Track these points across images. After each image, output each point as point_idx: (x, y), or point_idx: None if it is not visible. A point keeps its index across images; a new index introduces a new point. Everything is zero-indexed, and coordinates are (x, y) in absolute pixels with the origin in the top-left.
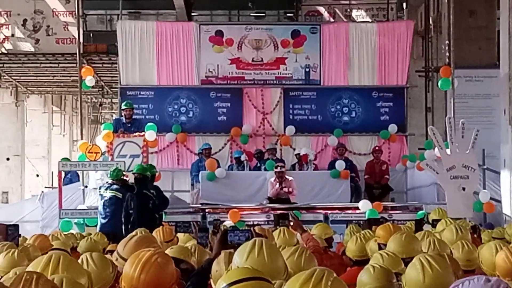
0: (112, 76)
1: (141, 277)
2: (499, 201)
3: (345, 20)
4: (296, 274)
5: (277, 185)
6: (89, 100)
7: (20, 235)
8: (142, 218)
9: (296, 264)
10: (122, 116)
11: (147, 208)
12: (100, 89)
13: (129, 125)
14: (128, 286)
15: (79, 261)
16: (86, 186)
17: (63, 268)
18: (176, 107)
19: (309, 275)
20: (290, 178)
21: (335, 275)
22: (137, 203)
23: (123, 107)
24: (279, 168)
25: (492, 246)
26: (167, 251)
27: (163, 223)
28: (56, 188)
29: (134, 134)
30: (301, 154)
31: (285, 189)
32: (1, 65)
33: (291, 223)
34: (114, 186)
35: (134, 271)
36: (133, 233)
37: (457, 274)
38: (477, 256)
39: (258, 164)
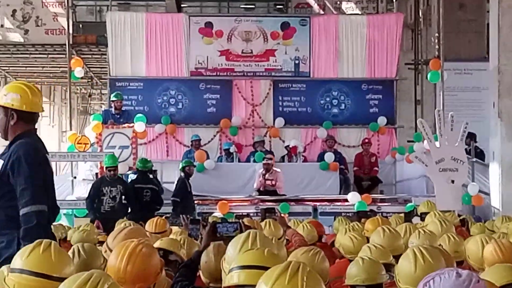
0: (101, 67)
1: (128, 268)
2: (488, 194)
3: (335, 12)
4: (272, 267)
5: (261, 177)
6: (78, 91)
7: None
8: (138, 211)
9: (309, 261)
10: (111, 107)
11: (143, 201)
12: (90, 80)
13: (118, 116)
14: (115, 278)
15: (71, 251)
16: (75, 177)
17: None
18: (165, 98)
19: (284, 268)
20: (278, 170)
21: (309, 267)
22: (134, 196)
23: (112, 98)
24: (265, 160)
25: (478, 240)
26: (156, 243)
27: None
28: None
29: (123, 125)
30: (290, 146)
31: (269, 182)
32: None
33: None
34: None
35: (121, 263)
36: (122, 225)
37: (450, 267)
38: (464, 249)
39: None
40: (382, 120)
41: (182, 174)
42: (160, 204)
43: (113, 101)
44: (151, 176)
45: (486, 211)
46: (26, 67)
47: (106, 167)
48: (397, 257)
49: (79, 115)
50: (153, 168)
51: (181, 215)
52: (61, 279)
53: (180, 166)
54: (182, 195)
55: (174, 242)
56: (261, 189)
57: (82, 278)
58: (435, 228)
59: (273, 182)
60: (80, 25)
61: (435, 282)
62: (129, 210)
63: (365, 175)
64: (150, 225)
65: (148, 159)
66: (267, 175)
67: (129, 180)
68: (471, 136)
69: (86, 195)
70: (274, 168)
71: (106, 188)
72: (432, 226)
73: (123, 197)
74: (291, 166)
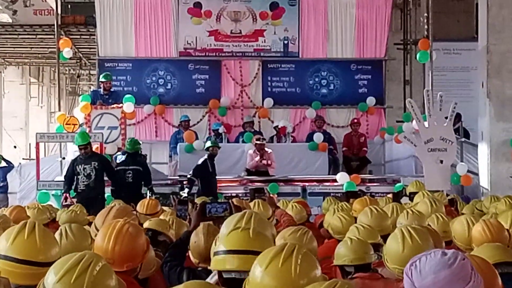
0: (90, 48)
1: (116, 248)
2: (476, 174)
3: None
4: (267, 249)
5: (257, 157)
6: (67, 72)
7: None
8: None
9: (297, 241)
10: (100, 88)
11: (125, 182)
12: (78, 60)
13: (107, 96)
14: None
15: (58, 232)
16: (64, 158)
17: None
18: (154, 79)
19: (279, 249)
20: (269, 150)
21: (305, 249)
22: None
23: (101, 79)
24: (260, 140)
25: (463, 220)
26: (145, 224)
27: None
28: (34, 159)
29: (112, 106)
30: (279, 127)
31: (265, 162)
32: None
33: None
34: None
35: (108, 243)
36: (111, 204)
37: (439, 246)
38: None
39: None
40: (371, 100)
41: (206, 154)
42: (147, 185)
43: (102, 81)
44: (139, 158)
45: (475, 191)
46: (14, 47)
47: (78, 146)
48: (384, 237)
49: (68, 96)
50: (142, 152)
51: (171, 195)
52: (47, 264)
53: (205, 147)
54: (201, 175)
55: (163, 223)
56: (253, 169)
57: (74, 259)
58: (425, 208)
59: (269, 162)
60: (69, 6)
61: (421, 262)
62: (112, 185)
63: (354, 155)
64: (141, 207)
65: (138, 141)
66: (263, 156)
67: (118, 161)
68: (457, 116)
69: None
70: (265, 149)
71: (80, 166)
72: (422, 206)
73: (100, 173)
74: (280, 147)
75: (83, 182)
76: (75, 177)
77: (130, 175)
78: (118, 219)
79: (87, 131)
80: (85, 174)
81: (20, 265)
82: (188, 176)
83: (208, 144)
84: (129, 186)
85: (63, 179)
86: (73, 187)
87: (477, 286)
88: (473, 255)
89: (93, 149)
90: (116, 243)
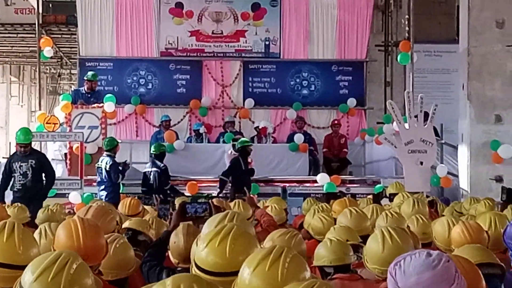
0: (71, 47)
1: (82, 245)
2: (456, 176)
3: None
4: (255, 251)
5: None
6: (47, 71)
7: None
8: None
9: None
10: (82, 86)
11: None
12: (59, 60)
13: (88, 95)
14: None
15: (37, 231)
16: None
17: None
18: (135, 78)
19: (268, 252)
20: None
21: (295, 252)
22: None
23: (89, 78)
24: (237, 141)
25: (444, 221)
26: (125, 224)
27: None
28: None
29: (93, 105)
30: (260, 127)
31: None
32: None
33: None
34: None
35: (72, 241)
36: (90, 203)
37: (417, 248)
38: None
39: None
40: (351, 102)
41: (236, 153)
42: (116, 179)
43: (89, 80)
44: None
45: (455, 192)
46: None
47: (17, 143)
48: (364, 238)
49: (49, 95)
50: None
51: (153, 195)
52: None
53: (236, 146)
54: (234, 174)
55: (143, 223)
56: None
57: (50, 259)
58: (408, 209)
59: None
60: (50, 5)
61: (406, 261)
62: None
63: (334, 156)
64: (122, 207)
65: (162, 144)
66: None
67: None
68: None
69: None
70: None
71: (16, 164)
72: (405, 207)
73: (38, 172)
74: (260, 147)
75: (19, 181)
76: (12, 175)
77: (151, 176)
78: (74, 217)
79: (68, 131)
80: (21, 172)
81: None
82: (220, 177)
83: (240, 143)
84: (152, 188)
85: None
86: (9, 188)
87: None
88: (458, 255)
89: (33, 147)
90: (78, 240)
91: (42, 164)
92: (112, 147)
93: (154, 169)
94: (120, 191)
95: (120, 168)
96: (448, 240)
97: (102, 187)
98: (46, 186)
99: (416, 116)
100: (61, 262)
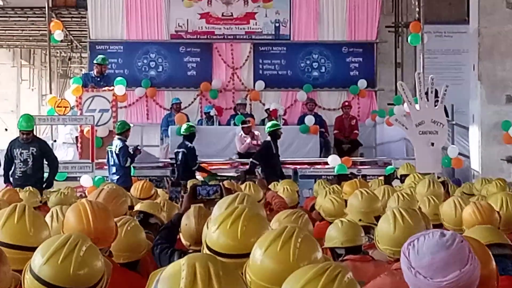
0: (81, 30)
1: (94, 227)
2: (468, 157)
3: None
4: (267, 232)
5: (249, 139)
6: (58, 55)
7: None
8: None
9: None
10: (92, 70)
11: None
12: (69, 43)
13: (98, 79)
14: None
15: (49, 214)
16: (55, 141)
17: (29, 220)
18: (145, 61)
19: (279, 233)
20: (257, 132)
21: (306, 232)
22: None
23: (99, 61)
24: (247, 123)
25: (451, 202)
26: (137, 206)
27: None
28: None
29: (103, 88)
30: (270, 109)
31: (254, 142)
32: None
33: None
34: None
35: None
36: (101, 186)
37: (428, 228)
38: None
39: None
40: (362, 83)
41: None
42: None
43: (98, 64)
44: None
45: (466, 173)
46: (5, 30)
47: (20, 130)
48: (375, 219)
49: (59, 79)
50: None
51: (164, 178)
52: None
53: (267, 130)
54: (264, 158)
55: (154, 205)
56: (244, 152)
57: (59, 241)
58: (423, 189)
59: (258, 142)
60: None
61: (419, 241)
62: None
63: (345, 138)
64: (134, 190)
65: (192, 124)
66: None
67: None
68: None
69: (66, 159)
70: (253, 131)
71: (17, 150)
72: (420, 187)
73: (38, 160)
74: None
75: (20, 168)
76: (13, 161)
77: (178, 156)
78: (83, 200)
79: (78, 114)
80: (22, 159)
81: (10, 250)
82: (250, 160)
83: (270, 127)
84: (178, 168)
85: (3, 164)
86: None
87: (473, 269)
88: (468, 236)
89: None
90: (89, 223)
91: (44, 152)
92: (124, 130)
93: (182, 149)
94: (132, 175)
95: (131, 152)
96: (455, 220)
97: (113, 170)
98: (50, 174)
99: (427, 95)
100: (70, 245)
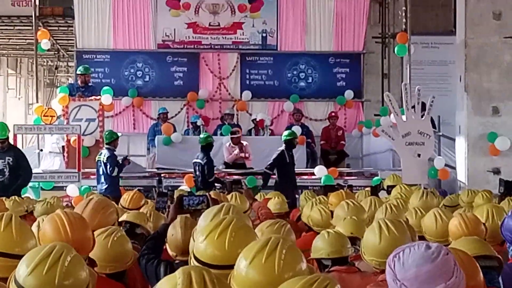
0: (68, 40)
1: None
2: (454, 168)
3: None
4: (252, 242)
5: (236, 150)
6: (45, 63)
7: None
8: None
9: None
10: (77, 80)
11: None
12: (56, 52)
13: (83, 89)
14: None
15: (35, 223)
16: (42, 150)
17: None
18: (132, 71)
19: (264, 243)
20: (245, 143)
21: (290, 242)
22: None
23: (81, 71)
24: (236, 134)
25: (431, 215)
26: (123, 216)
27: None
28: None
29: (90, 98)
30: (257, 120)
31: (242, 154)
32: None
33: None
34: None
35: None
36: (90, 197)
37: (414, 240)
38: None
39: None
40: (349, 94)
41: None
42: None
43: (82, 74)
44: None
45: (452, 185)
46: None
47: None
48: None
49: (46, 88)
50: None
51: (153, 188)
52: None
53: (283, 138)
54: (278, 167)
55: (141, 215)
56: (231, 162)
57: (44, 252)
58: (415, 200)
59: (247, 155)
60: None
61: (405, 253)
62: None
63: (332, 148)
64: (124, 201)
65: (209, 135)
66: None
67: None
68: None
69: (53, 168)
70: (241, 141)
71: None
72: (413, 198)
73: (15, 170)
74: (258, 140)
75: None
76: None
77: (196, 167)
78: (58, 211)
79: (65, 123)
80: None
81: None
82: (263, 169)
83: (286, 136)
84: (196, 180)
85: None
86: None
87: (459, 282)
88: (457, 248)
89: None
90: (67, 233)
91: (19, 161)
92: (112, 140)
93: (198, 160)
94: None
95: (120, 162)
96: (436, 232)
97: (102, 180)
98: (22, 182)
99: (413, 107)
100: (55, 255)
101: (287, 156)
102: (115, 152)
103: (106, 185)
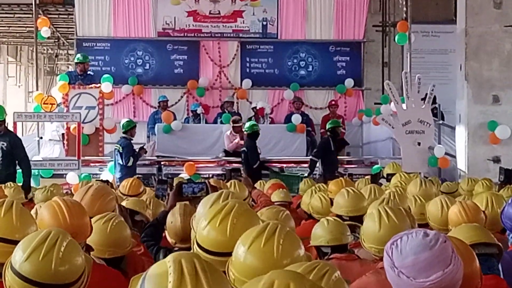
0: (68, 27)
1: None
2: (454, 156)
3: None
4: (249, 229)
5: (237, 139)
6: (45, 51)
7: None
8: None
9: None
10: (76, 69)
11: None
12: (56, 40)
13: (82, 77)
14: None
15: (33, 210)
16: (42, 137)
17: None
18: (132, 59)
19: (262, 229)
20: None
21: (288, 228)
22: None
23: (79, 60)
24: (239, 123)
25: (437, 202)
26: (122, 203)
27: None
28: None
29: (90, 85)
30: (257, 108)
31: (243, 142)
32: None
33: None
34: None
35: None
36: (90, 184)
37: (414, 227)
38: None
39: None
40: (349, 82)
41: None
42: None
43: (80, 62)
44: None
45: (452, 173)
46: None
47: None
48: (361, 218)
49: (46, 76)
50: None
51: (152, 176)
52: None
53: (328, 126)
54: (322, 155)
55: (140, 203)
56: (232, 151)
57: (40, 237)
58: (414, 189)
59: None
60: None
61: (403, 241)
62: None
63: None
64: (123, 187)
65: (255, 123)
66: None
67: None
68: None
69: (52, 156)
70: (242, 130)
71: None
72: (412, 186)
73: (9, 155)
74: None
75: None
76: None
77: (242, 155)
78: (56, 197)
79: (65, 111)
80: None
81: None
82: (309, 157)
83: (330, 124)
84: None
85: None
86: None
87: (456, 269)
88: (452, 236)
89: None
90: (65, 219)
91: (14, 147)
92: (129, 129)
93: (244, 148)
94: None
95: (136, 151)
96: (441, 219)
97: (118, 169)
98: (25, 176)
99: (423, 99)
100: (51, 241)
101: (332, 144)
102: (131, 141)
103: (121, 175)
